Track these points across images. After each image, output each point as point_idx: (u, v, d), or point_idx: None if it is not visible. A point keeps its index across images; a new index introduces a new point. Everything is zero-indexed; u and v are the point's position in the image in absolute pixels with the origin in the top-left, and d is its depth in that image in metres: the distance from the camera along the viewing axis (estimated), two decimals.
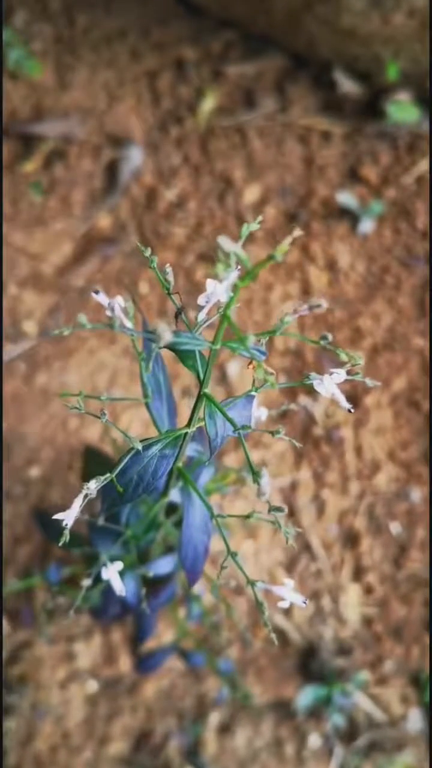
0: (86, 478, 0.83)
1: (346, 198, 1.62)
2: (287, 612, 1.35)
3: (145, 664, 1.09)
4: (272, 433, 0.46)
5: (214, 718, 1.30)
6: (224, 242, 0.35)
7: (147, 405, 0.58)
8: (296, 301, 1.57)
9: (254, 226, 0.47)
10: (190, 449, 0.64)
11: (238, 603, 1.34)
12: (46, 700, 1.31)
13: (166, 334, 0.36)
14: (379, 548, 1.38)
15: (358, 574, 1.37)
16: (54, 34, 1.84)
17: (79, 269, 1.62)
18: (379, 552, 1.38)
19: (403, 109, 1.69)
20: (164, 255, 1.62)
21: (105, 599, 0.88)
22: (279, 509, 0.44)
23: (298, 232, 0.37)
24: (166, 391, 0.60)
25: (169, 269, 0.47)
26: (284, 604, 0.51)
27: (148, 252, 0.49)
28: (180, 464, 0.59)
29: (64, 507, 0.57)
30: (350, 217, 1.63)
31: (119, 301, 0.53)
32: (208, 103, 1.76)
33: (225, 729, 1.29)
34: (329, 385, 0.47)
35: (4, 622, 1.35)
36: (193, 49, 1.83)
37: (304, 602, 0.49)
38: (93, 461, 0.84)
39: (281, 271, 1.59)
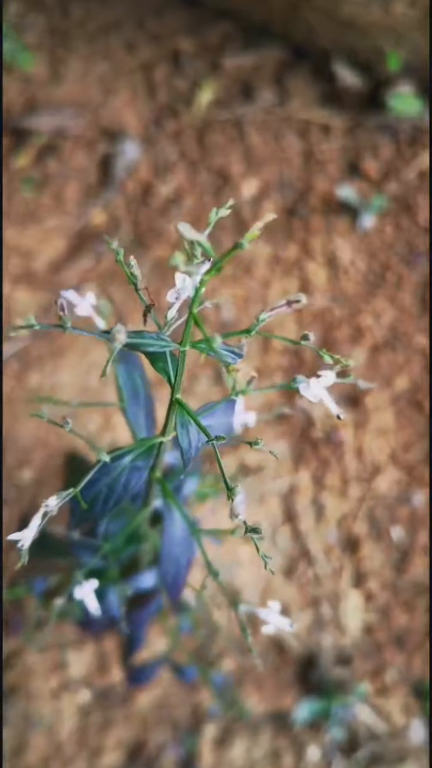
0: (68, 487, 0.79)
1: (347, 192, 1.58)
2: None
3: (136, 677, 1.05)
4: (251, 444, 0.42)
5: (210, 729, 1.26)
6: (186, 230, 0.31)
7: (123, 410, 0.54)
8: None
9: (224, 212, 0.43)
10: (171, 457, 0.60)
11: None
12: (38, 710, 1.28)
13: (120, 335, 0.32)
14: (380, 553, 1.34)
15: (358, 580, 1.33)
16: (48, 26, 1.80)
17: (72, 266, 1.58)
18: (380, 557, 1.34)
19: (404, 102, 1.64)
20: (160, 252, 1.58)
21: (89, 613, 0.84)
22: (255, 530, 0.40)
23: (271, 216, 0.33)
24: (144, 394, 0.56)
25: (134, 262, 0.43)
26: (269, 629, 0.47)
27: (114, 244, 0.45)
28: (159, 474, 0.55)
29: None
30: (350, 212, 1.59)
31: (90, 299, 0.49)
32: (205, 96, 1.72)
33: (221, 740, 1.26)
34: (317, 389, 0.43)
35: None
36: (190, 41, 1.78)
37: (291, 626, 0.45)
38: (75, 469, 0.80)
39: (279, 267, 1.54)
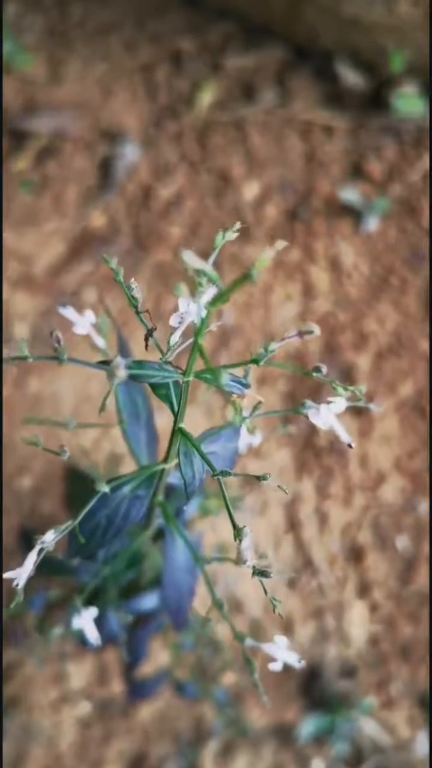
0: (69, 502, 0.77)
1: (350, 194, 1.56)
2: (288, 631, 1.29)
3: (137, 691, 1.03)
4: (258, 478, 0.40)
5: (212, 743, 1.24)
6: (190, 258, 0.29)
7: (124, 433, 0.51)
8: (296, 302, 1.50)
9: (230, 236, 0.41)
10: (173, 478, 0.58)
11: (237, 621, 1.28)
12: (38, 722, 1.26)
13: (120, 371, 0.30)
14: (385, 563, 1.32)
15: (362, 590, 1.31)
16: (47, 27, 1.77)
17: (72, 270, 1.56)
18: (384, 567, 1.32)
19: (408, 102, 1.62)
20: (161, 255, 1.55)
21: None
22: (264, 574, 0.38)
23: (282, 244, 0.31)
24: (146, 416, 0.54)
25: (135, 285, 0.41)
26: (276, 666, 0.45)
27: (113, 263, 0.42)
28: (160, 498, 0.53)
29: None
30: (353, 215, 1.56)
31: (89, 317, 0.47)
32: (206, 98, 1.70)
33: (223, 754, 1.24)
34: (327, 416, 0.41)
35: None
36: (191, 42, 1.76)
37: (299, 662, 0.43)
38: (76, 485, 0.78)
39: (281, 272, 1.52)
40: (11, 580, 0.41)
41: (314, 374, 0.38)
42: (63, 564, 0.81)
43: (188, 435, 0.41)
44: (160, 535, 0.74)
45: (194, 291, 0.34)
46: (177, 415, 0.41)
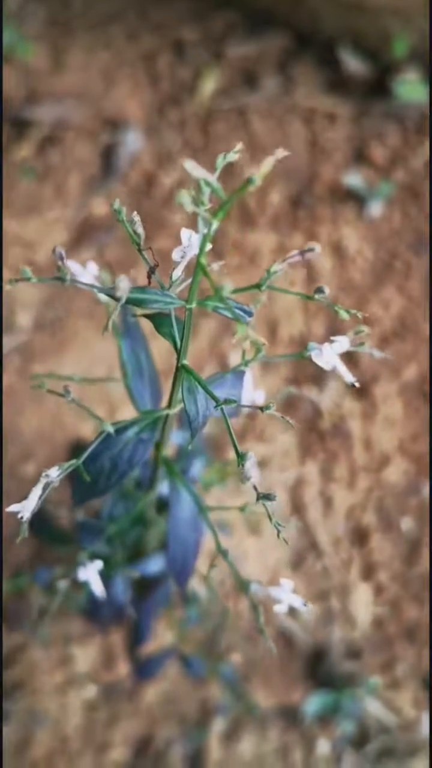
0: (75, 491, 0.77)
1: (353, 179, 1.56)
2: (293, 613, 1.29)
3: (143, 669, 1.03)
4: (261, 409, 0.40)
5: (218, 724, 1.24)
6: (193, 168, 0.29)
7: (127, 386, 0.51)
8: (300, 288, 1.50)
9: (232, 157, 0.41)
10: (180, 437, 0.58)
11: (242, 603, 1.28)
12: (43, 706, 1.26)
13: (123, 284, 0.30)
14: (390, 545, 1.32)
15: (367, 572, 1.31)
16: (48, 16, 1.78)
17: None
18: (389, 549, 1.32)
19: (411, 88, 1.62)
20: (163, 243, 1.55)
21: (95, 601, 0.82)
22: (268, 497, 0.38)
23: (282, 152, 0.31)
24: (149, 372, 0.54)
25: (137, 218, 0.41)
26: (282, 608, 0.45)
27: (116, 204, 0.42)
28: (165, 453, 0.53)
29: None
30: (357, 200, 1.57)
31: (92, 269, 0.47)
32: (209, 85, 1.70)
33: (229, 735, 1.23)
34: (330, 355, 0.41)
35: None
36: (193, 30, 1.76)
37: (304, 605, 0.43)
38: (83, 485, 0.78)
39: (284, 257, 1.52)
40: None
41: (316, 296, 0.38)
42: (67, 534, 0.82)
43: (192, 371, 0.41)
44: (163, 507, 0.74)
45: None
46: (180, 351, 0.41)
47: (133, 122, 1.67)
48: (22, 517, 0.41)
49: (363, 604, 1.30)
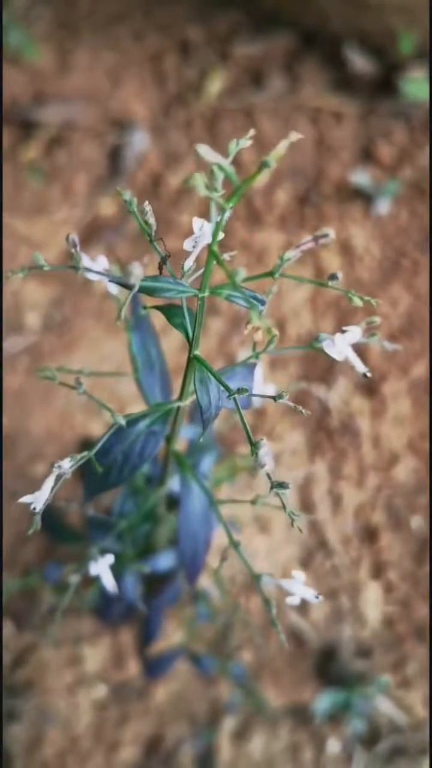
0: (83, 475, 0.77)
1: (360, 177, 1.55)
2: (303, 611, 1.29)
3: (153, 668, 1.03)
4: (274, 398, 0.40)
5: (228, 723, 1.24)
6: (205, 152, 0.29)
7: (137, 380, 0.51)
8: (308, 286, 1.50)
9: (244, 143, 0.41)
10: (191, 432, 0.58)
11: (252, 601, 1.28)
12: (54, 705, 1.26)
13: (138, 270, 0.30)
14: (399, 543, 1.31)
15: (377, 571, 1.30)
16: (55, 18, 1.79)
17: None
18: (399, 547, 1.31)
19: (417, 87, 1.61)
20: (171, 243, 1.56)
21: (105, 599, 0.82)
22: (282, 485, 0.38)
23: (295, 135, 0.31)
24: (159, 366, 0.54)
25: (148, 208, 0.41)
26: (294, 600, 0.45)
27: (127, 195, 0.42)
28: (176, 447, 0.53)
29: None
30: (364, 198, 1.56)
31: (102, 262, 0.47)
32: (215, 85, 1.70)
33: (239, 734, 1.23)
34: (342, 345, 0.40)
35: (9, 625, 1.30)
36: (199, 30, 1.76)
37: (317, 597, 0.43)
38: (95, 479, 0.78)
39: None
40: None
41: (329, 282, 0.38)
42: (77, 532, 0.82)
43: (204, 361, 0.41)
44: (173, 504, 0.74)
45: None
46: (192, 342, 0.41)
47: (140, 122, 1.67)
48: (34, 509, 0.41)
49: (373, 602, 1.29)
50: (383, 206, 1.54)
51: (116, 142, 1.66)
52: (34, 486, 1.34)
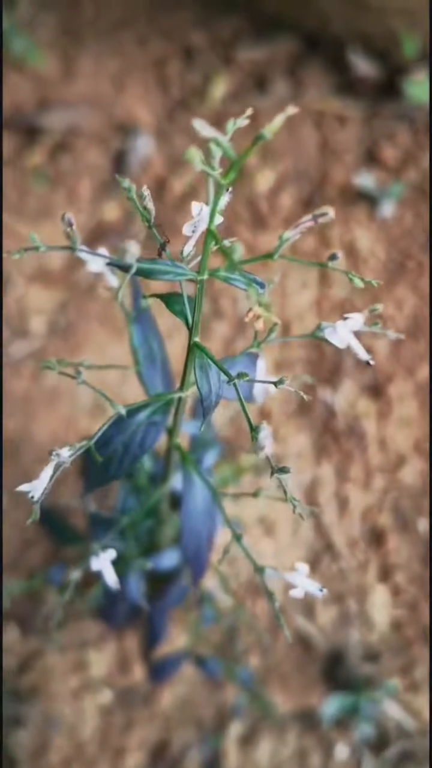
0: (87, 477, 0.77)
1: (365, 179, 1.55)
2: (310, 615, 1.28)
3: (158, 671, 1.02)
4: (275, 384, 0.39)
5: (235, 729, 1.23)
6: (201, 127, 0.28)
7: (138, 373, 0.51)
8: (313, 289, 1.50)
9: (241, 122, 0.40)
10: (193, 427, 0.57)
11: (258, 605, 1.27)
12: (59, 711, 1.25)
13: (133, 247, 0.30)
14: (407, 546, 1.30)
15: (384, 574, 1.29)
16: (59, 25, 1.79)
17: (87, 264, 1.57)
18: (406, 550, 1.30)
19: (420, 89, 1.61)
20: (175, 248, 1.55)
21: (109, 599, 0.81)
22: (283, 470, 0.37)
23: (292, 109, 0.31)
24: (161, 359, 0.54)
25: (146, 193, 0.40)
26: (297, 593, 0.44)
27: (125, 183, 0.42)
28: (178, 441, 0.53)
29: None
30: (368, 201, 1.56)
31: (104, 252, 0.47)
32: (218, 90, 1.70)
33: (247, 740, 1.22)
34: (344, 333, 0.40)
35: (15, 630, 1.29)
36: (202, 35, 1.77)
37: (321, 590, 0.42)
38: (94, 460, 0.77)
39: (297, 258, 1.52)
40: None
41: (329, 263, 0.38)
42: (81, 534, 0.81)
43: (204, 348, 0.40)
44: (176, 504, 0.74)
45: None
46: (192, 328, 0.40)
47: (144, 127, 1.67)
48: (32, 497, 0.40)
49: (380, 606, 1.28)
50: (388, 208, 1.53)
51: (120, 147, 1.66)
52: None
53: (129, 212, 1.60)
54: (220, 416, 1.37)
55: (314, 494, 1.33)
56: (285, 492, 0.39)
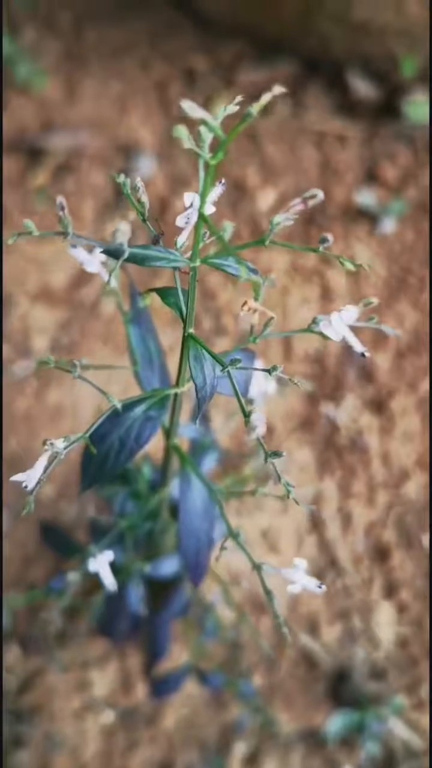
0: (83, 474, 0.76)
1: (366, 197, 1.57)
2: (315, 633, 1.26)
3: (161, 687, 1.01)
4: (269, 371, 0.39)
5: (239, 749, 1.21)
6: (190, 108, 0.29)
7: (135, 373, 0.51)
8: (314, 305, 1.50)
9: (231, 109, 0.41)
10: (192, 431, 0.57)
11: (262, 622, 1.25)
12: (61, 731, 1.23)
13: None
14: (412, 562, 1.29)
15: (389, 590, 1.28)
16: (63, 50, 1.83)
17: (91, 283, 1.58)
18: (411, 566, 1.29)
19: (420, 109, 1.63)
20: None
21: (111, 613, 0.81)
22: (276, 454, 0.37)
23: (279, 89, 0.31)
24: (158, 360, 0.54)
25: (140, 184, 0.41)
26: (295, 588, 0.44)
27: (120, 177, 0.43)
28: (176, 441, 0.53)
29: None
30: (369, 218, 1.57)
31: (100, 256, 0.47)
32: (220, 112, 1.72)
33: (251, 760, 1.20)
34: (339, 325, 0.40)
35: (16, 649, 1.28)
36: (203, 59, 1.80)
37: (319, 586, 0.42)
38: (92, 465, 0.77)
39: (298, 275, 1.53)
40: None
41: (320, 247, 0.38)
42: (82, 548, 0.81)
43: (198, 339, 0.40)
44: (176, 511, 0.73)
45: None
46: (186, 320, 0.41)
47: (146, 148, 1.69)
48: (26, 487, 0.40)
49: (386, 623, 1.27)
50: (388, 225, 1.54)
51: (123, 167, 1.68)
52: (41, 504, 1.33)
53: (132, 232, 1.61)
54: (221, 431, 1.37)
55: (317, 509, 1.32)
56: (278, 476, 0.38)
